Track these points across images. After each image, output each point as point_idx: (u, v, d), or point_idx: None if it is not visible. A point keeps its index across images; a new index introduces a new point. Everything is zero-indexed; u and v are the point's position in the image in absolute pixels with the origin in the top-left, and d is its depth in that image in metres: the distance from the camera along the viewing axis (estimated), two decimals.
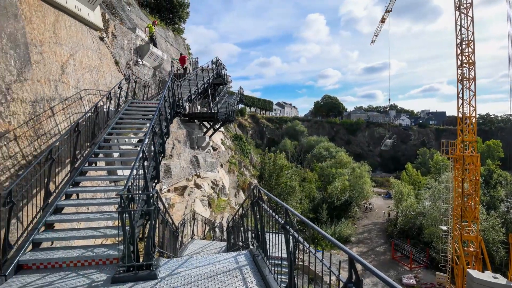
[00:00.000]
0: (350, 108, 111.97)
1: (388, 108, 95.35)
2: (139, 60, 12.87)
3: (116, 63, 10.73)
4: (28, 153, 5.79)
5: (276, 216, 3.74)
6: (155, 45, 13.78)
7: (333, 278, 2.56)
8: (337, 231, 32.16)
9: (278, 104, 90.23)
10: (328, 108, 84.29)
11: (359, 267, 2.14)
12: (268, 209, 4.14)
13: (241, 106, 54.02)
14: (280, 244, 3.63)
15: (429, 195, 31.51)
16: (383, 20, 51.24)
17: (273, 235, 3.95)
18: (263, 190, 4.71)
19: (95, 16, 9.31)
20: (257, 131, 62.89)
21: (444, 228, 21.76)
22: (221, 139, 26.08)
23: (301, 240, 2.97)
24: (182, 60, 16.70)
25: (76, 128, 6.30)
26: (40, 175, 5.21)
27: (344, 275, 2.21)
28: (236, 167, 24.56)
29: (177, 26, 23.57)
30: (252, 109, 68.79)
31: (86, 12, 8.76)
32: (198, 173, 16.04)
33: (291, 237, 3.24)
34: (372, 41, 56.56)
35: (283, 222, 3.40)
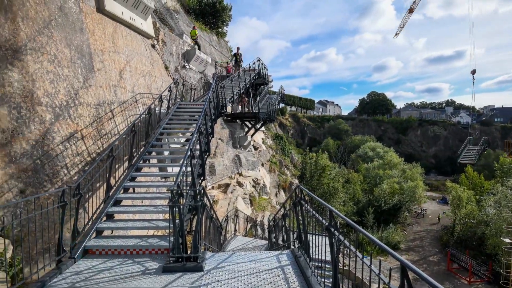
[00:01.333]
0: (400, 105, 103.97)
1: (444, 105, 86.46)
2: (186, 64, 13.65)
3: (166, 68, 11.51)
4: (93, 151, 6.53)
5: (320, 218, 3.66)
6: (199, 48, 14.49)
7: (382, 285, 2.42)
8: (384, 237, 30.23)
9: (320, 102, 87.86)
10: (375, 105, 79.37)
11: (411, 275, 2.00)
12: (311, 209, 4.07)
13: (282, 105, 53.78)
14: (323, 246, 3.55)
15: (493, 202, 27.85)
16: None
17: (316, 237, 3.87)
18: (305, 190, 4.65)
19: (147, 25, 10.10)
20: (298, 130, 62.06)
21: (508, 240, 19.07)
22: (262, 139, 26.32)
23: (347, 243, 2.87)
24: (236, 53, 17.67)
25: (133, 129, 6.91)
26: (103, 170, 5.83)
27: (394, 283, 2.08)
28: (277, 166, 24.57)
29: (220, 29, 24.38)
30: (293, 108, 68.00)
31: (139, 22, 9.56)
32: (240, 172, 16.43)
33: (335, 240, 3.15)
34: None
35: (327, 224, 3.32)
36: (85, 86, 6.90)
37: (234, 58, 17.46)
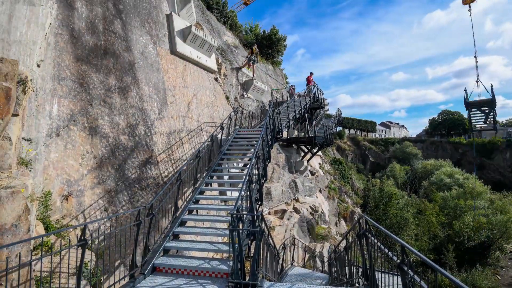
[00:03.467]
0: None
1: None
2: (244, 93, 14.46)
3: (227, 98, 12.38)
4: (164, 175, 7.21)
5: (390, 253, 3.29)
6: (255, 61, 15.12)
7: None
8: (469, 280, 25.14)
9: (383, 124, 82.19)
10: (449, 125, 70.45)
11: None
12: (379, 243, 3.69)
13: (339, 128, 51.91)
14: (393, 286, 3.15)
15: None
16: None
17: (385, 275, 3.46)
18: (370, 220, 4.27)
19: (211, 61, 11.15)
20: (358, 154, 58.46)
21: None
22: (319, 163, 25.51)
23: (424, 286, 2.49)
24: (308, 80, 18.25)
25: (198, 155, 7.47)
26: (172, 193, 6.36)
27: None
28: (336, 193, 23.27)
29: (275, 59, 25.53)
30: (352, 131, 64.88)
31: (205, 59, 10.63)
32: (296, 198, 16.04)
33: (409, 281, 2.77)
34: None
35: (399, 261, 2.96)
36: (159, 117, 7.80)
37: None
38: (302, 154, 18.77)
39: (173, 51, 9.10)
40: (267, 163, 8.26)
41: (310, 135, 16.58)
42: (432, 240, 30.38)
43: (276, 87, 21.87)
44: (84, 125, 5.93)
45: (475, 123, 20.44)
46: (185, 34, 9.58)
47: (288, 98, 18.03)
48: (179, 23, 9.52)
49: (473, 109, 19.74)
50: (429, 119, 75.50)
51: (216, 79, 11.84)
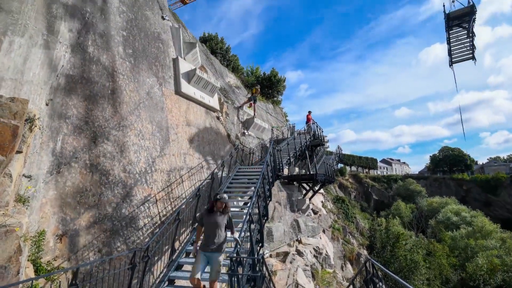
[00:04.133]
0: (482, 160, 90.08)
1: None
2: (245, 131, 14.73)
3: (228, 136, 12.57)
4: (163, 214, 7.04)
5: None
6: (255, 100, 15.55)
7: None
8: None
9: (384, 161, 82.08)
10: (451, 161, 70.27)
11: None
12: None
13: (340, 165, 51.68)
14: None
15: None
16: None
17: None
18: (377, 264, 4.06)
19: (213, 101, 11.55)
20: (361, 192, 57.38)
21: None
22: (322, 202, 24.95)
23: None
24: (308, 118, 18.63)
25: (197, 193, 7.36)
26: (169, 233, 6.15)
27: None
28: (340, 233, 22.40)
29: (275, 98, 26.59)
30: (353, 168, 64.53)
31: (207, 99, 11.02)
32: (299, 238, 15.40)
33: None
34: None
35: None
36: (161, 155, 7.83)
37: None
38: (304, 192, 18.49)
39: (178, 91, 9.48)
40: (268, 201, 8.10)
41: (311, 172, 16.51)
42: (444, 284, 28.38)
43: (277, 125, 22.33)
44: (85, 162, 5.95)
45: (454, 53, 17.35)
46: (189, 76, 10.05)
47: (289, 136, 18.30)
48: (185, 66, 10.03)
49: (453, 28, 17.03)
50: (430, 156, 75.52)
51: (218, 118, 12.15)
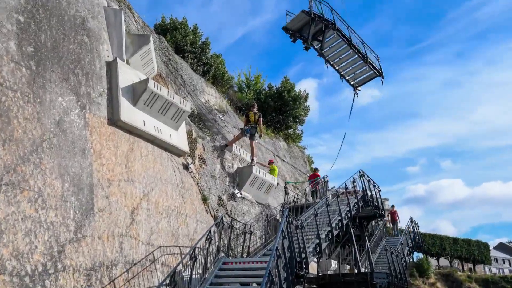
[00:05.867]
0: None
1: None
2: (236, 191, 14.45)
3: (204, 199, 12.32)
4: None
5: None
6: (252, 135, 15.40)
7: None
8: None
9: (503, 247, 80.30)
10: None
11: None
12: None
13: (417, 255, 50.02)
14: None
15: None
16: None
17: None
18: None
19: (178, 137, 11.50)
20: None
21: None
22: None
23: None
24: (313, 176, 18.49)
25: None
26: None
27: None
28: None
29: (291, 130, 26.69)
30: (444, 261, 62.43)
31: (167, 133, 10.97)
32: None
33: None
34: None
35: None
36: (76, 238, 7.56)
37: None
38: None
39: (114, 120, 9.42)
40: None
41: (363, 271, 15.84)
42: None
43: (294, 180, 22.19)
44: None
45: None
46: (136, 92, 10.06)
47: (317, 199, 17.96)
48: (128, 75, 10.10)
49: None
50: None
51: (186, 167, 11.97)
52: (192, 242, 10.44)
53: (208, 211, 12.33)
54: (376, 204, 18.73)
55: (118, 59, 10.09)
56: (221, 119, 17.72)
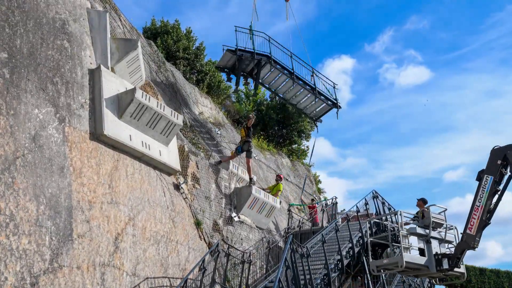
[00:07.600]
0: None
1: None
2: (234, 214, 14.24)
3: (198, 224, 12.23)
4: None
5: None
6: (248, 151, 15.04)
7: None
8: None
9: None
10: None
11: None
12: None
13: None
14: None
15: None
16: None
17: None
18: None
19: (168, 153, 11.42)
20: None
21: None
22: None
23: None
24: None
25: None
26: None
27: None
28: None
29: (295, 146, 26.45)
30: None
31: (156, 149, 10.88)
32: None
33: None
34: None
35: None
36: (52, 269, 7.41)
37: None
38: None
39: (97, 134, 9.37)
40: None
41: None
42: None
43: (299, 201, 21.94)
44: None
45: None
46: (122, 103, 10.01)
47: (325, 223, 17.71)
48: (113, 85, 10.05)
49: None
50: None
51: (177, 187, 11.91)
52: (183, 272, 10.35)
53: (202, 237, 12.25)
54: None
55: (102, 66, 10.06)
56: (217, 134, 17.52)
